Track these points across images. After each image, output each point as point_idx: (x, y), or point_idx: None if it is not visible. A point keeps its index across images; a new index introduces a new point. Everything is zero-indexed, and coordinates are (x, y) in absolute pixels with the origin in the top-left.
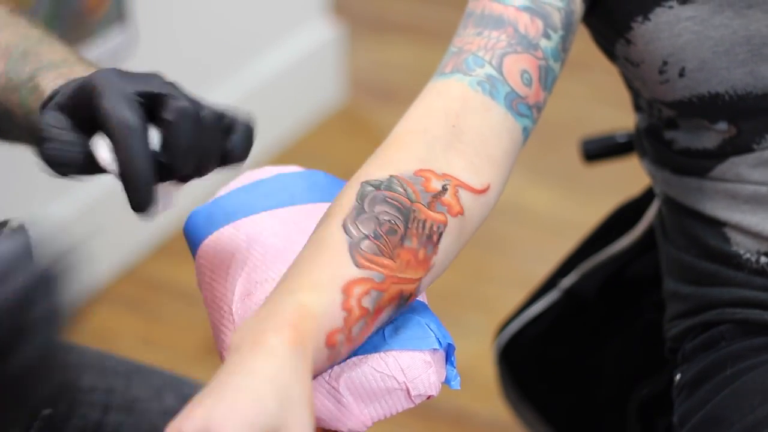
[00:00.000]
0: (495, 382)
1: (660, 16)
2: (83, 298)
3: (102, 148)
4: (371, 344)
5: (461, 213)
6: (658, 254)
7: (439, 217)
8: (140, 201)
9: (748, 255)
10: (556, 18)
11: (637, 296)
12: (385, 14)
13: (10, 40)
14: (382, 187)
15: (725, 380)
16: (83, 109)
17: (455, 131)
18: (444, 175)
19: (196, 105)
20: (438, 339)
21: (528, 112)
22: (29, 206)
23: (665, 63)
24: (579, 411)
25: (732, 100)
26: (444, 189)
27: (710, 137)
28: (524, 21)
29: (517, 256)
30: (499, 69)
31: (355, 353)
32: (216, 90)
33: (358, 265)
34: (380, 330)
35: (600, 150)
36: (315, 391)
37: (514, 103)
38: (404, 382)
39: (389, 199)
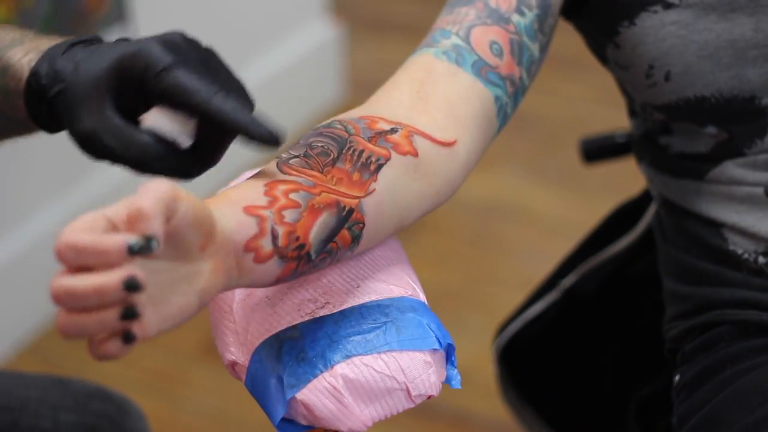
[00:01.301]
0: (495, 382)
1: (645, 20)
2: None
3: (164, 123)
4: (371, 345)
5: (413, 154)
6: (657, 254)
7: (380, 150)
8: (273, 135)
9: (746, 255)
10: None
11: (637, 297)
12: (385, 14)
13: None
14: (321, 126)
15: (724, 381)
16: (135, 84)
17: (420, 95)
18: (398, 123)
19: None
20: (438, 339)
21: (500, 81)
22: (29, 206)
23: (651, 67)
24: (579, 411)
25: (718, 103)
26: (393, 130)
27: (703, 141)
28: None
29: (517, 256)
30: (466, 39)
31: (355, 353)
32: None
33: (283, 172)
34: (380, 328)
35: (599, 150)
36: (316, 390)
37: (483, 71)
38: (404, 382)
39: (326, 132)
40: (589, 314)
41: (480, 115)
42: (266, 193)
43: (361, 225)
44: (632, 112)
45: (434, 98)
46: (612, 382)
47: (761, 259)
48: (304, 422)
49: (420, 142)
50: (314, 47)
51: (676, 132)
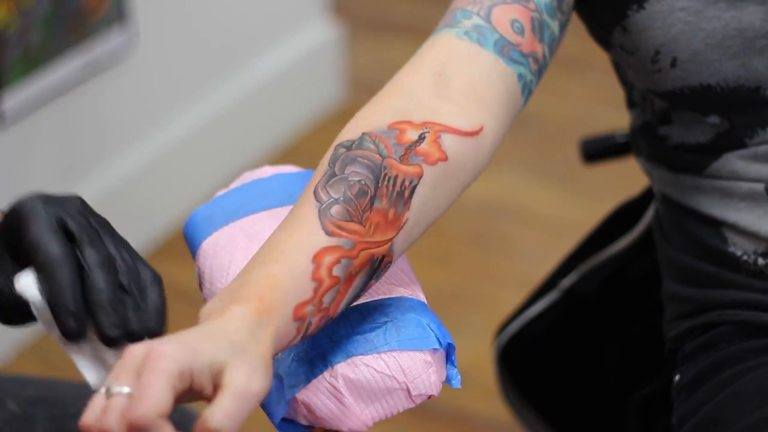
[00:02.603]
0: (495, 382)
1: (654, 5)
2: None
3: (30, 286)
4: (372, 344)
5: (443, 159)
6: (657, 254)
7: (412, 170)
8: (69, 329)
9: (745, 257)
10: None
11: (637, 297)
12: (385, 14)
13: None
14: (354, 146)
15: (724, 381)
16: (14, 239)
17: (442, 79)
18: (424, 123)
19: (107, 258)
20: (438, 339)
21: (522, 59)
22: None
23: (658, 53)
24: (579, 411)
25: (723, 92)
26: (421, 138)
27: (703, 131)
28: None
29: (517, 256)
30: (488, 18)
31: (355, 353)
32: (216, 90)
33: (327, 232)
34: (380, 328)
35: (600, 150)
36: (316, 390)
37: (505, 50)
38: (405, 382)
39: (360, 158)
40: (589, 314)
41: (504, 94)
42: (313, 276)
43: (389, 264)
44: (631, 104)
45: (456, 81)
46: (612, 382)
47: (761, 261)
48: (304, 422)
49: (448, 142)
50: (314, 47)
51: (675, 122)
